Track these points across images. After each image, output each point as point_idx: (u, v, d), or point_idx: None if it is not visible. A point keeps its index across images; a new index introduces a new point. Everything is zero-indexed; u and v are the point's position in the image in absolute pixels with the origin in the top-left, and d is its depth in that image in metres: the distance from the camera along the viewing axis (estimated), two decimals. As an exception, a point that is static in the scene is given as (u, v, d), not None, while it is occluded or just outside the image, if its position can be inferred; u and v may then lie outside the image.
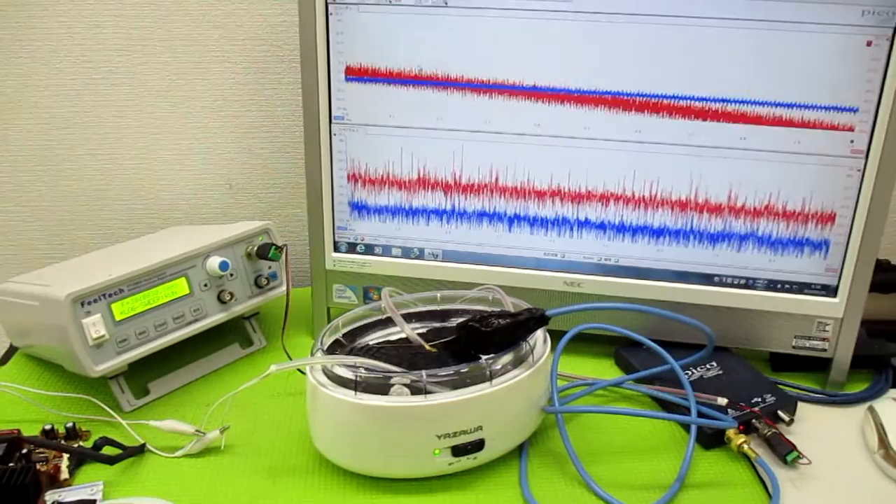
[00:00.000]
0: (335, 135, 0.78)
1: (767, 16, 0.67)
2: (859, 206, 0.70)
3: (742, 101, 0.70)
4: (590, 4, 0.69)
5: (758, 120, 0.70)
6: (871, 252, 0.71)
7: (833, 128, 0.69)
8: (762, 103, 0.69)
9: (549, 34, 0.71)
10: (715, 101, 0.70)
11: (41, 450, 0.64)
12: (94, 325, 0.66)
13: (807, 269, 0.74)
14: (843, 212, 0.71)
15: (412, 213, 0.79)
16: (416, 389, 0.59)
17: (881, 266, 0.88)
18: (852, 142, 0.69)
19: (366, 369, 0.61)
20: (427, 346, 0.64)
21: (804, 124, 0.69)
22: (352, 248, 0.82)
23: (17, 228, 0.98)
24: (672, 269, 0.76)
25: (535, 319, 0.62)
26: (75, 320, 0.65)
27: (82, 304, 0.66)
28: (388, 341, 0.69)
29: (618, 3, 0.69)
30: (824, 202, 0.71)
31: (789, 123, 0.69)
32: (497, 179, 0.76)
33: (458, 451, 0.61)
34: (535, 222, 0.77)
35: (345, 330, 0.69)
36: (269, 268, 0.80)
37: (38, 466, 0.62)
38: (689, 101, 0.70)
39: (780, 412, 0.68)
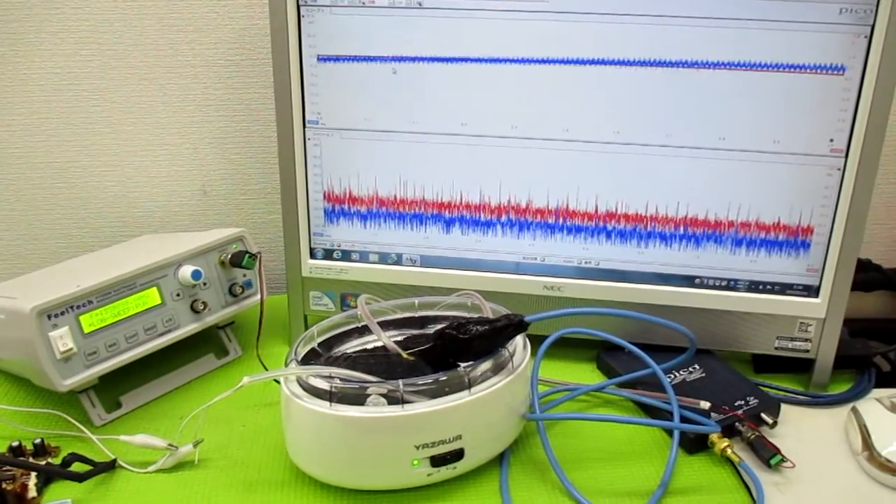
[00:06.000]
0: (309, 139, 0.76)
1: (745, 14, 0.66)
2: (840, 206, 0.70)
3: (720, 97, 0.69)
4: (567, 4, 0.68)
5: (736, 116, 0.69)
6: (852, 251, 0.71)
7: (812, 125, 0.68)
8: (742, 99, 0.69)
9: (526, 34, 0.70)
10: (693, 98, 0.69)
11: (7, 468, 0.62)
12: (62, 338, 0.64)
13: (788, 270, 0.73)
14: (824, 211, 0.71)
15: (389, 218, 0.78)
16: (392, 399, 0.58)
17: (862, 265, 0.88)
18: (832, 140, 0.69)
19: (341, 379, 0.59)
20: (404, 355, 0.63)
21: (783, 122, 0.69)
22: (328, 254, 0.80)
23: (-14, 238, 0.96)
24: (653, 272, 0.76)
25: (513, 326, 0.61)
26: (41, 333, 0.63)
27: (49, 317, 0.64)
28: (365, 350, 0.68)
29: (596, 3, 0.68)
30: (804, 202, 0.71)
31: (768, 121, 0.69)
32: (474, 183, 0.75)
33: (437, 461, 0.59)
34: (514, 225, 0.76)
35: (320, 339, 0.68)
36: (244, 276, 0.78)
37: (4, 485, 0.60)
38: (666, 96, 0.70)
39: (763, 415, 0.68)
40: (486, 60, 0.71)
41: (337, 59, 0.73)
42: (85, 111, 0.91)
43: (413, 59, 0.72)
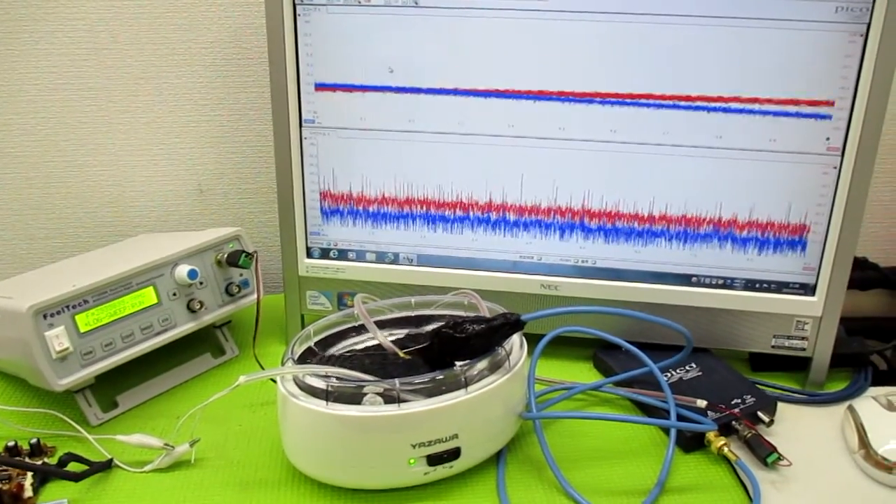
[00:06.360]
0: (306, 139, 0.76)
1: (742, 13, 0.66)
2: (836, 204, 0.70)
3: (718, 97, 0.69)
4: (566, 4, 0.68)
5: (734, 117, 0.69)
6: (848, 250, 0.71)
7: (809, 124, 0.68)
8: (738, 99, 0.69)
9: (523, 34, 0.70)
10: (690, 97, 0.69)
11: (4, 467, 0.62)
12: (58, 338, 0.64)
13: (785, 268, 0.73)
14: (820, 210, 0.71)
15: (386, 217, 0.78)
16: (389, 398, 0.58)
17: (859, 263, 0.88)
18: (828, 139, 0.69)
19: (337, 378, 0.59)
20: (401, 354, 0.63)
21: (780, 121, 0.69)
22: (325, 253, 0.80)
23: (-18, 238, 0.96)
24: (650, 270, 0.76)
25: (510, 325, 0.61)
26: (38, 333, 0.63)
27: (45, 317, 0.64)
28: (362, 349, 0.68)
29: (593, 3, 0.68)
30: (801, 201, 0.71)
31: (765, 121, 0.69)
32: (471, 182, 0.75)
33: (433, 460, 0.59)
34: (511, 224, 0.76)
35: (317, 338, 0.68)
36: (241, 275, 0.78)
37: (0, 485, 0.60)
38: (664, 97, 0.70)
39: (759, 413, 0.68)
40: (482, 59, 0.71)
41: (335, 84, 0.73)
42: (81, 110, 0.91)
43: (409, 59, 0.72)
